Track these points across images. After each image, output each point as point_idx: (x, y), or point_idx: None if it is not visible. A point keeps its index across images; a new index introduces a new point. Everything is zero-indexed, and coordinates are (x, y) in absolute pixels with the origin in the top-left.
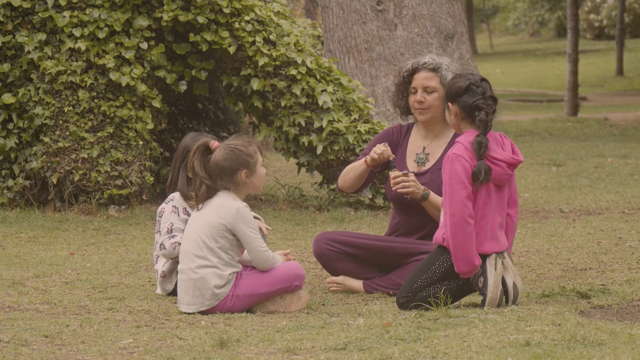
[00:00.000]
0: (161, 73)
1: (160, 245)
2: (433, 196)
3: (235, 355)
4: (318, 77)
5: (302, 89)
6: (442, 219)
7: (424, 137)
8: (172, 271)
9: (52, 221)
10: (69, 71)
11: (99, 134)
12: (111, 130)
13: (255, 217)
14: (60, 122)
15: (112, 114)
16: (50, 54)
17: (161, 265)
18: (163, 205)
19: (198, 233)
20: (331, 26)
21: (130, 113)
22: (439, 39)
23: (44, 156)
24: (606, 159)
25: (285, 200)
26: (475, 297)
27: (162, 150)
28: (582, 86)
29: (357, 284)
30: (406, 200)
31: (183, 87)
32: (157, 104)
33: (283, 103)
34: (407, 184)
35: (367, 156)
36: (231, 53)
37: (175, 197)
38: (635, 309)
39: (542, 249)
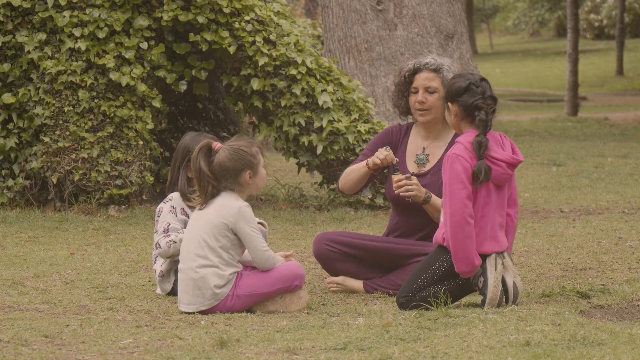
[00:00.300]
0: (161, 73)
1: (156, 244)
2: (435, 199)
3: (235, 355)
4: (318, 77)
5: (302, 89)
6: (442, 219)
7: (424, 138)
8: (170, 271)
9: (52, 221)
10: (69, 71)
11: (99, 134)
12: (111, 130)
13: (259, 223)
14: (60, 122)
15: (112, 114)
16: (50, 53)
17: (159, 265)
18: (161, 204)
19: (199, 232)
20: (331, 26)
21: (130, 113)
22: (439, 39)
23: (44, 156)
24: (606, 158)
25: (285, 200)
26: (475, 297)
27: (162, 150)
28: (582, 86)
29: (357, 284)
30: (406, 201)
31: (183, 87)
32: (157, 103)
33: (283, 103)
34: (410, 187)
35: (369, 159)
36: (231, 53)
37: (174, 197)
38: (635, 308)
39: (542, 249)
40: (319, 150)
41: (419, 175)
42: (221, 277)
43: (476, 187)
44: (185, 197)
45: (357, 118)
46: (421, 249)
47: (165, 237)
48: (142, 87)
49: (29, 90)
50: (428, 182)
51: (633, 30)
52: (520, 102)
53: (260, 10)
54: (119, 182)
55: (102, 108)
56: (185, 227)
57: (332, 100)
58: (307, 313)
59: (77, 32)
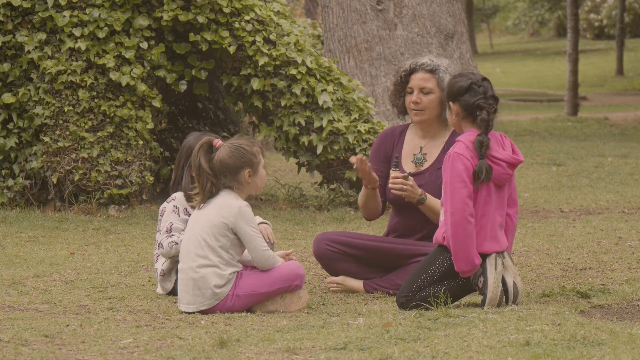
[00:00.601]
0: (161, 73)
1: (159, 244)
2: (430, 200)
3: (235, 355)
4: (318, 76)
5: (302, 89)
6: (441, 218)
7: (421, 137)
8: (172, 270)
9: (52, 221)
10: (69, 71)
11: (99, 134)
12: (111, 130)
13: (264, 222)
14: (60, 121)
15: (112, 114)
16: (50, 53)
17: (161, 264)
18: (165, 204)
19: (199, 232)
20: (331, 26)
21: (130, 113)
22: (439, 39)
23: (44, 156)
24: (606, 158)
25: (285, 200)
26: (475, 297)
27: (162, 150)
28: (582, 86)
29: (357, 284)
30: (404, 201)
31: (183, 86)
32: (157, 103)
33: (283, 103)
34: (405, 187)
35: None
36: (231, 53)
37: (177, 197)
38: (635, 308)
39: (542, 249)
40: (319, 150)
41: (416, 174)
42: (221, 276)
43: (477, 186)
44: (188, 198)
45: (357, 118)
46: (421, 249)
47: (167, 238)
48: (142, 87)
49: (29, 90)
50: (426, 181)
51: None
52: (520, 102)
53: (260, 10)
54: (119, 182)
55: (102, 108)
56: None
57: (332, 100)
58: (307, 313)
59: (77, 32)
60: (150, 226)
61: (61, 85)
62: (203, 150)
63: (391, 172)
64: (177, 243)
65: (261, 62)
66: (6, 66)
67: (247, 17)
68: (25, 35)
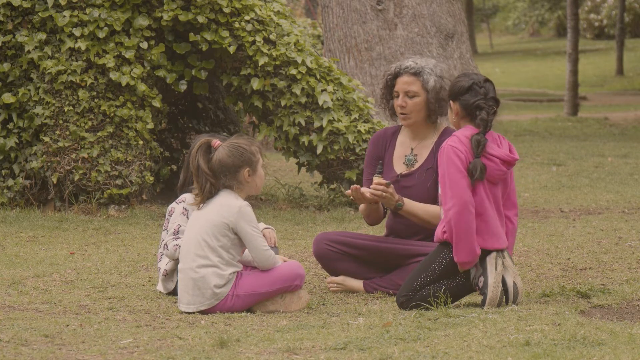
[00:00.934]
0: (161, 73)
1: (165, 245)
2: (408, 205)
3: (235, 355)
4: (318, 76)
5: (302, 89)
6: (442, 215)
7: (411, 139)
8: (174, 271)
9: (52, 221)
10: (69, 71)
11: (99, 134)
12: (111, 130)
13: (268, 227)
14: (60, 121)
15: (112, 114)
16: (50, 53)
17: (164, 263)
18: (174, 204)
19: (199, 232)
20: (331, 26)
21: (130, 113)
22: (439, 39)
23: (44, 156)
24: (606, 158)
25: (285, 200)
26: (475, 297)
27: (162, 149)
28: (582, 86)
29: (357, 284)
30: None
31: (183, 86)
32: (157, 103)
33: (283, 103)
34: (384, 194)
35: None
36: (231, 53)
37: (187, 198)
38: (635, 308)
39: (542, 249)
40: (319, 150)
41: (407, 175)
42: (221, 276)
43: (472, 184)
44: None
45: (357, 118)
46: (421, 249)
47: (173, 240)
48: (142, 87)
49: (29, 90)
50: (415, 182)
51: (633, 30)
52: (520, 102)
53: (260, 10)
54: (119, 181)
55: (102, 108)
56: None
57: (332, 100)
58: (307, 313)
59: (77, 32)
60: (150, 226)
61: (61, 85)
62: (202, 151)
63: (374, 178)
64: (180, 246)
65: (261, 62)
66: (6, 66)
67: (247, 17)
68: (25, 35)
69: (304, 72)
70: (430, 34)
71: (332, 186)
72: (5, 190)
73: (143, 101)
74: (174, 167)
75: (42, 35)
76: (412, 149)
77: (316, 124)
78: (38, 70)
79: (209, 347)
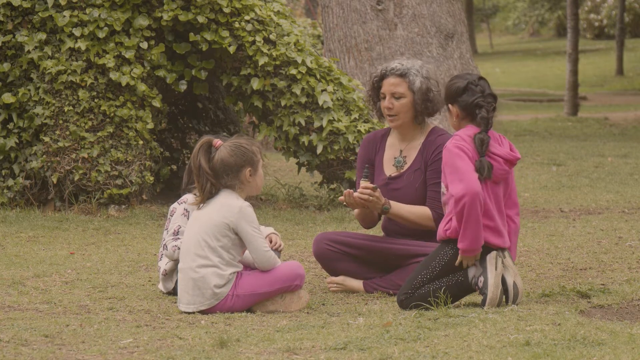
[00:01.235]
0: (161, 73)
1: (164, 245)
2: (395, 208)
3: (235, 355)
4: (318, 76)
5: (302, 89)
6: (446, 211)
7: (400, 141)
8: (174, 270)
9: (52, 221)
10: (69, 71)
11: (99, 134)
12: (111, 130)
13: (273, 233)
14: (60, 121)
15: (112, 114)
16: (50, 53)
17: (164, 263)
18: (175, 205)
19: (199, 232)
20: (331, 26)
21: (130, 113)
22: (439, 39)
23: (44, 156)
24: (606, 158)
25: (285, 200)
26: (475, 297)
27: (162, 149)
28: (582, 86)
29: (357, 284)
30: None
31: (183, 86)
32: (157, 103)
33: (283, 102)
34: (371, 198)
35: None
36: (231, 53)
37: (189, 199)
38: (635, 308)
39: (542, 249)
40: (319, 150)
41: (396, 177)
42: (221, 276)
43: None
44: None
45: (357, 118)
46: (421, 249)
47: (172, 241)
48: (142, 87)
49: (29, 90)
50: (404, 183)
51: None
52: (520, 102)
53: (260, 10)
54: (119, 181)
55: (102, 108)
56: None
57: (332, 99)
58: (307, 313)
59: (77, 32)
60: (150, 226)
61: (61, 85)
62: (203, 151)
63: (361, 182)
64: (179, 248)
65: (261, 62)
66: (6, 66)
67: (247, 17)
68: (25, 35)
69: (304, 72)
70: (430, 34)
71: (332, 186)
72: (5, 190)
73: (143, 101)
74: (174, 167)
75: (42, 35)
76: (401, 151)
77: (316, 124)
78: (38, 70)
79: (209, 347)
